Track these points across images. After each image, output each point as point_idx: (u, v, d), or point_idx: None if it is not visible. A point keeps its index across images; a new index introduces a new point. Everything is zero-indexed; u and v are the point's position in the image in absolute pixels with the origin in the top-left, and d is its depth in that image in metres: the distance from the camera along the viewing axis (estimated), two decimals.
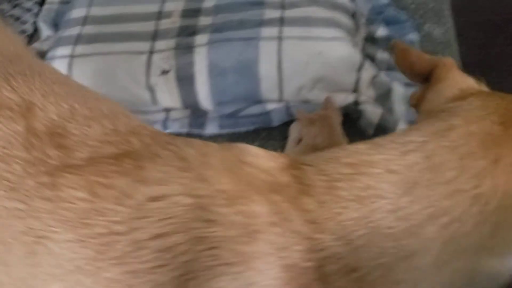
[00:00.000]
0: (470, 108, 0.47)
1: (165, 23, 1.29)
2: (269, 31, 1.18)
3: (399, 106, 1.13)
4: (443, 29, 1.33)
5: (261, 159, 0.48)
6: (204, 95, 1.19)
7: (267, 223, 0.43)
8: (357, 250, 0.43)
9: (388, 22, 1.35)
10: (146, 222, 0.42)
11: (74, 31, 1.29)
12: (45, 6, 1.50)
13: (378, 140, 0.51)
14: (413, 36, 1.30)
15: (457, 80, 0.54)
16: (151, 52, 1.22)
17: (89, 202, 0.43)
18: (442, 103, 0.51)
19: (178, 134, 1.23)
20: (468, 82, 0.55)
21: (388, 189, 0.44)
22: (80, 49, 1.24)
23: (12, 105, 0.48)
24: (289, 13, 1.22)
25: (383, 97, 1.15)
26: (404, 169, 0.45)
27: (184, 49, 1.21)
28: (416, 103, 0.57)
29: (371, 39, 1.30)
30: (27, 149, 0.45)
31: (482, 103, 0.48)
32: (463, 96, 0.50)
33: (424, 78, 0.56)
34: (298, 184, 0.46)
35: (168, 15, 1.30)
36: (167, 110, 1.26)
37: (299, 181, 0.46)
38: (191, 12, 1.30)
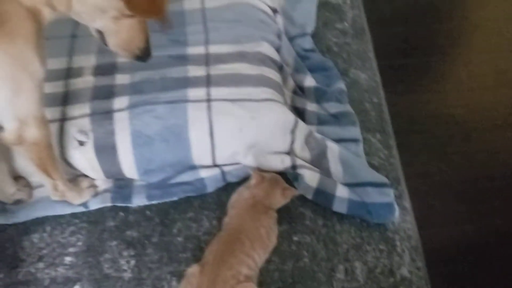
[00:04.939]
0: None
1: (76, 83, 1.14)
2: (196, 92, 1.09)
3: (336, 166, 1.10)
4: (368, 74, 1.32)
5: None
6: (128, 165, 1.08)
7: None
8: None
9: (313, 69, 1.32)
10: None
11: None
12: None
13: None
14: (341, 85, 1.27)
15: None
16: (63, 119, 1.08)
17: None
18: None
19: (100, 209, 1.11)
20: None
21: None
22: None
23: None
24: (215, 70, 1.13)
25: (319, 157, 1.11)
26: None
27: (101, 115, 1.08)
28: None
29: (300, 90, 1.26)
30: None
31: None
32: None
33: None
34: None
35: (79, 72, 1.16)
36: None
37: None
38: (105, 69, 1.17)
